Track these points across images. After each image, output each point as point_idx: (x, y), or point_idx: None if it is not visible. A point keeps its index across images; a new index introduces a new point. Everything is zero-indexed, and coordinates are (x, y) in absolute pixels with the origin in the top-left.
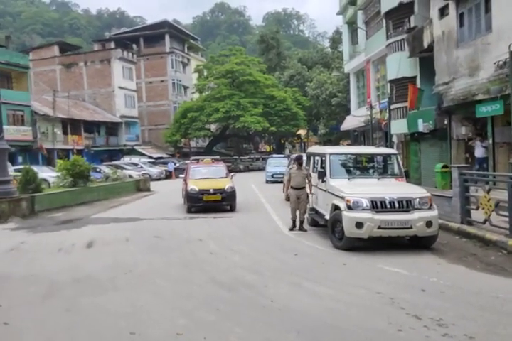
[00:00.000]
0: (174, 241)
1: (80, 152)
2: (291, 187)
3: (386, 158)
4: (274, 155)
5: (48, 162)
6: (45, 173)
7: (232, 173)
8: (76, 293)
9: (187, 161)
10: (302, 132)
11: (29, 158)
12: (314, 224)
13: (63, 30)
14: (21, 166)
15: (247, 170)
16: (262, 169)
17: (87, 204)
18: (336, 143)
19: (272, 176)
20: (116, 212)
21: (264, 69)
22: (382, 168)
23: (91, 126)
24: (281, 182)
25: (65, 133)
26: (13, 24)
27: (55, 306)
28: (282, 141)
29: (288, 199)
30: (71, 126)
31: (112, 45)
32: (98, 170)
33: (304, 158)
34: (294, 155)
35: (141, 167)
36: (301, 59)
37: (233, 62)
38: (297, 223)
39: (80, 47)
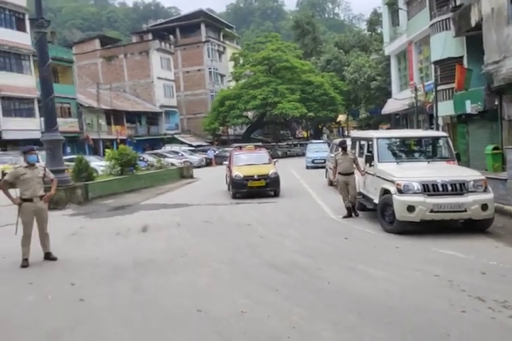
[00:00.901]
0: (223, 226)
1: (123, 142)
2: (339, 173)
3: (436, 140)
4: (314, 141)
5: (94, 152)
6: (93, 163)
7: (274, 159)
8: (139, 274)
9: (226, 149)
10: (342, 117)
11: (76, 149)
12: (361, 208)
13: (101, 23)
14: (71, 156)
15: (286, 156)
16: (300, 155)
17: (135, 191)
18: (376, 127)
19: (313, 162)
20: (163, 198)
21: (301, 55)
22: (432, 151)
23: (133, 117)
24: (322, 167)
25: (108, 123)
26: (55, 20)
27: (122, 286)
28: (320, 127)
29: (332, 184)
30: (114, 116)
31: (150, 36)
32: (142, 158)
33: (348, 142)
34: (337, 141)
35: (182, 155)
36: (338, 43)
37: (269, 49)
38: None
39: (120, 39)
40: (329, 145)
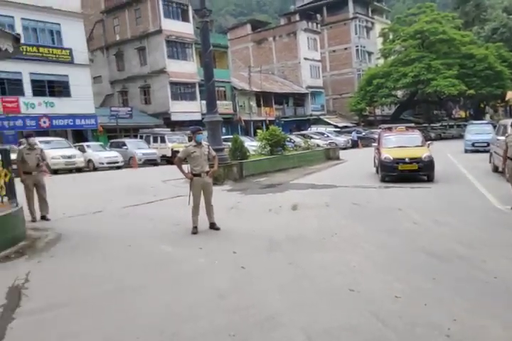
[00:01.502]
0: (373, 209)
1: (271, 123)
2: (510, 158)
3: None
4: (475, 122)
5: (246, 132)
6: (245, 143)
7: (428, 142)
8: (293, 249)
9: (373, 130)
10: (511, 94)
11: (231, 129)
12: None
13: (252, 8)
14: (226, 136)
15: (439, 138)
16: (456, 137)
17: (284, 170)
18: None
19: (473, 145)
20: (311, 178)
21: (460, 25)
22: None
23: (280, 98)
24: (485, 151)
25: (258, 105)
26: (211, 8)
27: (279, 259)
28: (482, 106)
29: (497, 170)
30: (263, 98)
31: (297, 17)
32: (289, 139)
33: None
34: (507, 121)
35: (328, 136)
36: (507, 8)
37: (423, 21)
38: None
39: (269, 23)
40: (494, 127)
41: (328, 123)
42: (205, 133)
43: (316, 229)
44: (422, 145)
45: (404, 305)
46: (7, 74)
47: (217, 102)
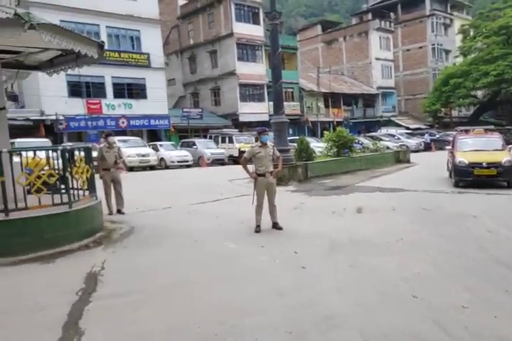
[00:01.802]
0: (443, 215)
1: (339, 124)
2: None
3: None
4: None
5: (313, 133)
6: (311, 144)
7: (510, 145)
8: (355, 252)
9: (448, 132)
10: None
11: (297, 130)
12: None
13: (323, 8)
14: (293, 137)
15: None
16: None
17: (350, 173)
18: None
19: None
20: (378, 181)
21: None
22: None
23: (349, 99)
24: None
25: (326, 106)
26: (282, 10)
27: (340, 261)
28: None
29: None
30: (332, 99)
31: (369, 16)
32: (357, 141)
33: None
34: None
35: (398, 138)
36: None
37: (509, 16)
38: None
39: (340, 23)
40: None
41: (400, 125)
42: (271, 134)
43: (381, 233)
44: (502, 150)
45: (471, 315)
46: (92, 78)
47: (285, 103)
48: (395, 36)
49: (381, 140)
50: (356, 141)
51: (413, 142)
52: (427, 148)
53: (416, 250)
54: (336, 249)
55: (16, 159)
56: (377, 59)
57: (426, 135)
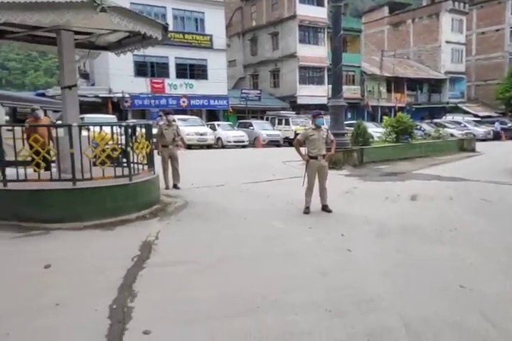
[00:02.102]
0: (505, 207)
1: (401, 109)
2: None
3: None
4: None
5: (372, 118)
6: (371, 129)
7: None
8: (404, 238)
9: None
10: None
11: (356, 115)
12: None
13: None
14: (351, 121)
15: None
16: None
17: (408, 159)
18: None
19: None
20: (437, 169)
21: None
22: None
23: (414, 84)
24: None
25: (388, 90)
26: None
27: (387, 246)
28: None
29: None
30: (395, 84)
31: None
32: (419, 127)
33: None
34: None
35: (465, 126)
36: None
37: None
38: None
39: (409, 4)
40: None
41: (467, 112)
42: (327, 118)
43: (434, 221)
44: None
45: None
46: (156, 58)
47: (345, 87)
48: (469, 18)
49: (445, 127)
50: (418, 127)
51: (481, 130)
52: (497, 137)
53: (470, 241)
54: (384, 234)
55: (84, 133)
56: (447, 42)
57: (496, 123)
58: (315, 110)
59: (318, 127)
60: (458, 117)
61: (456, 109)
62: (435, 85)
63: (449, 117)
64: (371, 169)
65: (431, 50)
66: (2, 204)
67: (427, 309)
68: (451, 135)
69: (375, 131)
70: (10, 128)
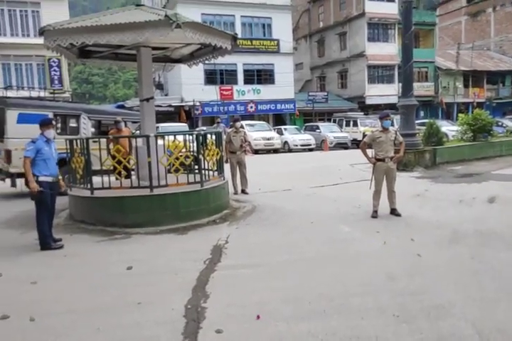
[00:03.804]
0: None
1: (480, 105)
2: None
3: None
4: None
5: (448, 116)
6: (445, 127)
7: None
8: (479, 244)
9: None
10: None
11: (430, 113)
12: None
13: None
14: (423, 120)
15: None
16: None
17: (487, 159)
18: None
19: None
20: None
21: None
22: None
23: (494, 77)
24: None
25: (465, 86)
26: None
27: (460, 252)
28: None
29: None
30: (473, 78)
31: None
32: (500, 124)
33: None
34: None
35: None
36: None
37: None
38: None
39: None
40: None
41: None
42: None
43: None
44: None
45: None
46: (225, 66)
47: (418, 84)
48: None
49: None
50: (500, 123)
51: None
52: None
53: None
54: (457, 239)
55: (159, 142)
56: None
57: None
58: (384, 111)
59: (385, 129)
60: None
61: None
62: None
63: None
64: (444, 170)
65: None
66: (90, 211)
67: (502, 318)
68: None
69: (450, 129)
70: (96, 139)
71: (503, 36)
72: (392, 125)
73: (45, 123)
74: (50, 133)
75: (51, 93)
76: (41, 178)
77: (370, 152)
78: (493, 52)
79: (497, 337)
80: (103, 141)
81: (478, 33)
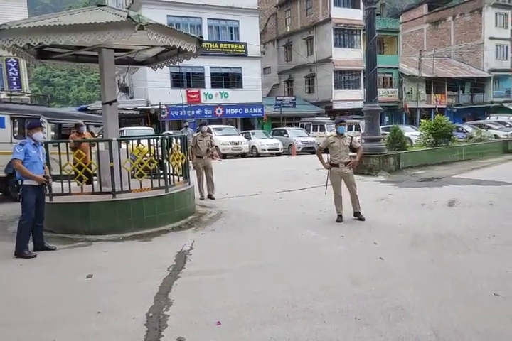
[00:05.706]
0: None
1: (441, 111)
2: None
3: None
4: None
5: (411, 121)
6: (409, 132)
7: None
8: (439, 246)
9: None
10: None
11: (394, 118)
12: None
13: None
14: (388, 125)
15: None
16: None
17: (447, 163)
18: None
19: None
20: (478, 173)
21: None
22: None
23: (455, 84)
24: None
25: (428, 92)
26: None
27: (421, 254)
28: None
29: None
30: (434, 84)
31: None
32: (460, 129)
33: None
34: None
35: (510, 126)
36: None
37: None
38: None
39: (450, 0)
40: None
41: None
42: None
43: (471, 229)
44: None
45: None
46: (192, 68)
47: (382, 90)
48: None
49: (489, 128)
50: (460, 129)
51: None
52: None
53: (509, 249)
54: (418, 242)
55: (123, 146)
56: (491, 38)
57: None
58: (339, 117)
59: (340, 134)
60: (503, 117)
61: (501, 109)
62: (478, 84)
63: (493, 117)
64: (408, 174)
65: (473, 47)
66: (49, 217)
67: (459, 318)
68: (495, 136)
69: (414, 134)
70: (56, 144)
71: (463, 44)
72: (358, 130)
73: (34, 126)
74: (39, 135)
75: (8, 95)
76: (26, 182)
77: (325, 157)
78: (453, 60)
79: (453, 338)
80: (63, 144)
81: (439, 40)
